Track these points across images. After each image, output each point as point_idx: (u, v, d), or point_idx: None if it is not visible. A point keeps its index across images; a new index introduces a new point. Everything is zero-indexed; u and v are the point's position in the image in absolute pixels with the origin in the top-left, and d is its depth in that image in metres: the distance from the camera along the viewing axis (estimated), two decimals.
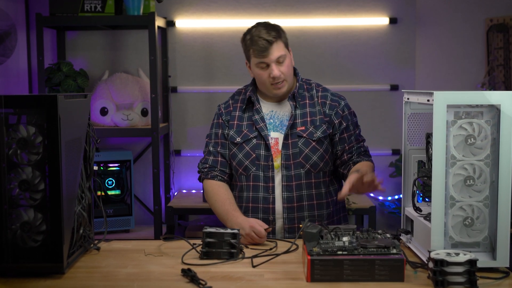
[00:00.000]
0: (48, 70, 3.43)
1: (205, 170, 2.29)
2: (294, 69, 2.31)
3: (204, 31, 3.72)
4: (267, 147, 2.21)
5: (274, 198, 2.20)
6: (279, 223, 2.21)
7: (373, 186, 1.98)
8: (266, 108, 2.28)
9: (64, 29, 3.67)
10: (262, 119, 2.24)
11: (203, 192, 2.38)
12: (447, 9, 3.70)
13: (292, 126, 2.22)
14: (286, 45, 2.24)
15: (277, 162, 2.21)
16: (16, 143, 1.64)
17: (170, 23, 3.71)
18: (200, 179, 2.34)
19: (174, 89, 3.75)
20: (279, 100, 2.28)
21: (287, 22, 3.69)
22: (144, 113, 3.50)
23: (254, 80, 2.31)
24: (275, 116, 2.27)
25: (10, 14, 3.45)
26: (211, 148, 2.30)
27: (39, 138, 1.64)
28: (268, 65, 2.18)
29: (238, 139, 2.24)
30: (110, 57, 3.74)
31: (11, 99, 1.65)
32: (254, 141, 2.23)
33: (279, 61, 2.18)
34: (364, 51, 3.70)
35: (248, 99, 2.28)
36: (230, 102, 2.34)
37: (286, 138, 2.21)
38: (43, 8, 3.50)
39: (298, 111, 2.24)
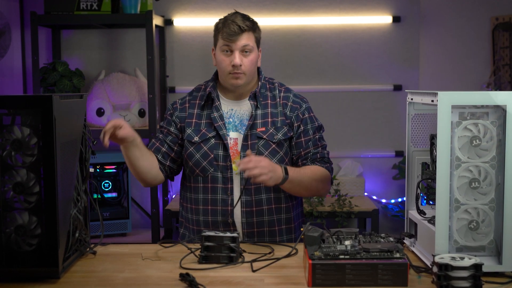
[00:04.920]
0: (43, 70, 3.40)
1: None
2: (258, 70, 2.28)
3: (203, 30, 3.70)
4: (225, 147, 2.16)
5: (232, 199, 2.15)
6: (237, 227, 2.16)
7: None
8: (226, 106, 2.23)
9: (59, 28, 3.65)
10: (221, 117, 2.19)
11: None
12: (451, 8, 3.69)
13: (252, 126, 2.17)
14: (257, 42, 2.21)
15: (236, 163, 2.14)
16: (10, 144, 1.61)
17: (168, 22, 3.68)
18: None
19: (172, 89, 3.73)
20: (239, 98, 2.23)
21: (288, 20, 3.67)
22: (141, 113, 3.48)
23: (214, 75, 2.27)
24: (234, 115, 2.21)
25: (4, 12, 3.42)
26: (160, 136, 2.26)
27: (34, 140, 1.62)
28: (232, 52, 2.16)
29: (196, 139, 2.19)
30: (106, 57, 3.72)
31: (5, 100, 1.64)
32: (213, 141, 2.17)
33: (244, 51, 2.15)
34: (366, 51, 3.68)
35: (208, 96, 2.23)
36: (187, 98, 2.28)
37: (245, 139, 2.16)
38: (38, 6, 3.48)
39: (259, 111, 2.19)
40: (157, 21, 3.42)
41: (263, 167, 1.94)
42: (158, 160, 2.21)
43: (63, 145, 1.67)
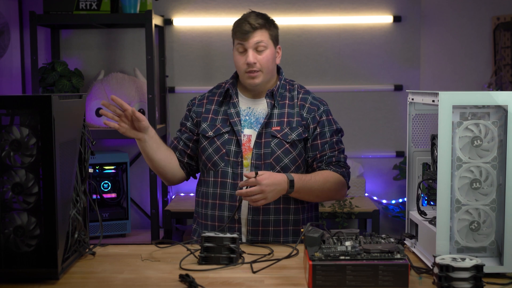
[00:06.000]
0: (42, 70, 3.39)
1: None
2: (279, 68, 2.29)
3: (203, 29, 3.69)
4: (238, 143, 2.17)
5: (241, 196, 2.14)
6: (243, 224, 2.16)
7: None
8: (244, 104, 2.25)
9: (58, 28, 3.64)
10: (238, 114, 2.21)
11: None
12: (452, 7, 3.68)
13: (266, 124, 2.18)
14: (273, 39, 2.22)
15: (247, 160, 2.17)
16: (9, 145, 1.61)
17: (168, 22, 3.67)
18: None
19: (172, 90, 3.72)
20: (257, 96, 2.25)
21: (288, 20, 3.66)
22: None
23: (235, 73, 2.29)
24: (251, 113, 2.23)
25: (3, 12, 3.41)
26: (177, 133, 2.33)
27: (33, 140, 1.61)
28: (246, 50, 2.17)
29: (210, 133, 2.21)
30: (105, 57, 3.71)
31: (4, 100, 1.63)
32: (226, 136, 2.19)
33: (257, 49, 2.17)
34: (367, 50, 3.67)
35: (226, 92, 2.25)
36: (207, 95, 2.32)
37: (259, 136, 2.17)
38: (37, 6, 3.47)
39: (276, 111, 2.20)
40: (156, 21, 3.41)
41: (260, 194, 1.98)
42: (177, 158, 2.26)
43: (62, 145, 1.67)
